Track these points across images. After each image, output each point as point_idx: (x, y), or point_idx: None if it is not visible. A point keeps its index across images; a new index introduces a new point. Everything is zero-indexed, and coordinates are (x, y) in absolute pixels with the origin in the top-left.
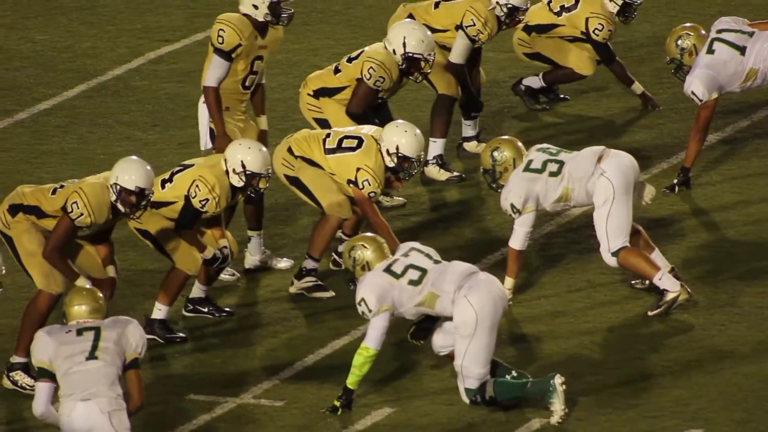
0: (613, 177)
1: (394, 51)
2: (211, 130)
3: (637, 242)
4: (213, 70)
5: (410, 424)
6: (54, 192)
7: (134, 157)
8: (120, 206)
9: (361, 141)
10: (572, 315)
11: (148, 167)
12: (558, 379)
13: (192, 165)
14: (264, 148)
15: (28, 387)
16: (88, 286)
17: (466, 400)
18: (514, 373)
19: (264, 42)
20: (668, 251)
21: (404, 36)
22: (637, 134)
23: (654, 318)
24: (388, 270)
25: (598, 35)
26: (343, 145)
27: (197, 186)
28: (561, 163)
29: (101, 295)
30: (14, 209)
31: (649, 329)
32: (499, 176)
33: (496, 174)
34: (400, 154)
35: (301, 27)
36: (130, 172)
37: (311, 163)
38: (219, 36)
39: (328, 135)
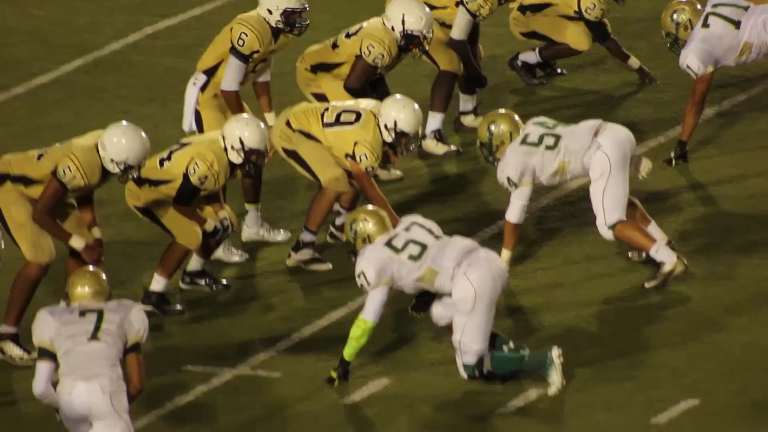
0: (609, 151)
1: (392, 28)
2: (197, 112)
3: (634, 215)
4: (232, 73)
5: (408, 395)
6: (39, 158)
7: (129, 127)
8: (120, 178)
9: (359, 115)
10: (569, 287)
11: (143, 134)
12: (555, 352)
13: (190, 143)
14: (262, 124)
15: (17, 358)
16: (91, 268)
17: (464, 375)
18: (511, 345)
19: (275, 46)
20: (665, 224)
21: (403, 13)
22: (634, 108)
23: (651, 290)
24: (388, 244)
25: (590, 14)
26: (342, 120)
27: (196, 163)
28: (557, 137)
29: (104, 277)
30: (1, 178)
31: (646, 301)
32: (496, 150)
33: (492, 147)
34: (398, 130)
35: None
36: (138, 149)
37: (309, 136)
38: (240, 39)
39: (327, 109)
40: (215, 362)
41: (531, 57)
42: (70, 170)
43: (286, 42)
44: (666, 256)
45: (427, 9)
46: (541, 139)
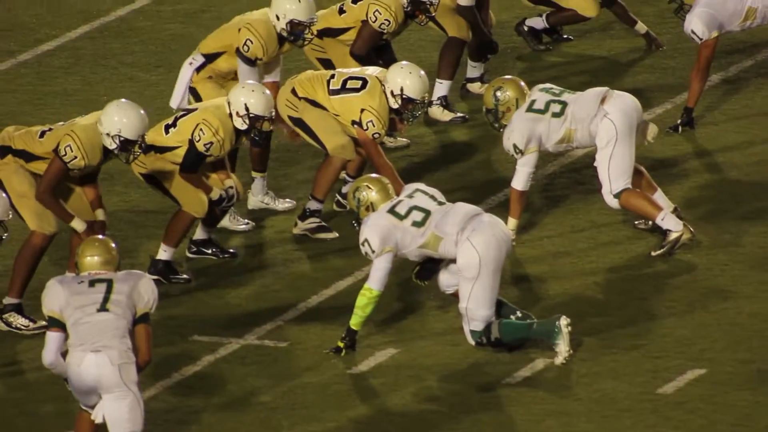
0: (616, 118)
1: None
2: (192, 89)
3: (640, 183)
4: (243, 75)
5: (414, 364)
6: (42, 135)
7: (126, 101)
8: (120, 155)
9: (365, 82)
10: (575, 255)
11: (142, 111)
12: (564, 321)
13: (195, 109)
14: (267, 91)
15: (22, 327)
16: (100, 237)
17: (472, 342)
18: (518, 314)
19: (281, 51)
20: (671, 191)
21: None
22: (641, 74)
23: (657, 258)
24: (391, 211)
25: None
26: (348, 86)
27: (201, 129)
28: (564, 104)
29: (114, 245)
30: (3, 151)
31: (653, 269)
32: (502, 116)
33: (498, 114)
34: (404, 96)
35: None
36: (131, 121)
37: (315, 104)
38: (245, 45)
39: (333, 76)
40: (222, 332)
41: (538, 23)
42: (71, 149)
43: (291, 47)
44: (672, 224)
45: None
46: (547, 106)
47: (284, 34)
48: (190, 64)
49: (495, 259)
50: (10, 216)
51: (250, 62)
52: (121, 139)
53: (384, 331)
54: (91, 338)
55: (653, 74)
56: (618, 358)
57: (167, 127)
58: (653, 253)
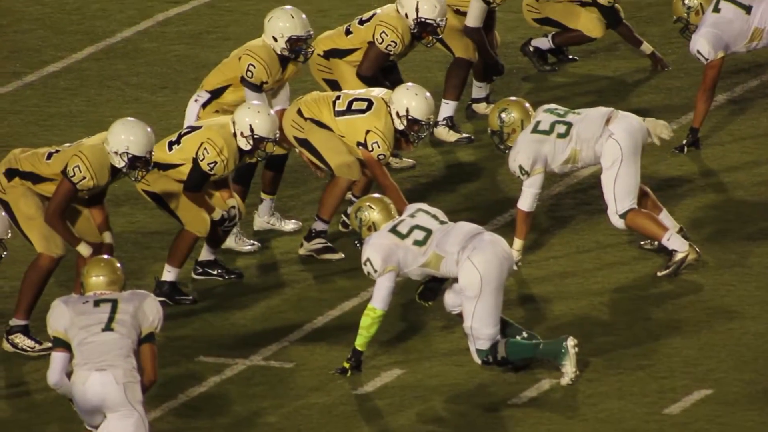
0: (621, 139)
1: (406, 15)
2: None
3: (645, 203)
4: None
5: (420, 385)
6: (49, 157)
7: (132, 119)
8: (129, 173)
9: (370, 103)
10: (581, 276)
11: (148, 128)
12: (571, 342)
13: (200, 127)
14: (272, 112)
15: (28, 349)
16: (106, 257)
17: (478, 361)
18: (524, 334)
19: (284, 75)
20: (677, 212)
21: (417, 1)
22: (647, 95)
23: (663, 278)
24: (393, 230)
25: None
26: (353, 108)
27: (205, 149)
28: (569, 125)
29: (119, 266)
30: (10, 173)
31: (659, 289)
32: (507, 137)
33: (504, 135)
34: (410, 117)
35: None
36: (138, 138)
37: (321, 125)
38: (249, 71)
39: (338, 97)
40: (228, 353)
41: (543, 43)
42: (79, 170)
43: (296, 70)
44: (678, 245)
45: None
46: (552, 127)
47: (285, 53)
48: (195, 101)
49: (496, 277)
50: (9, 235)
51: (257, 88)
52: (130, 156)
53: (389, 351)
54: (96, 357)
55: (659, 95)
56: (624, 378)
57: (171, 144)
58: (659, 274)
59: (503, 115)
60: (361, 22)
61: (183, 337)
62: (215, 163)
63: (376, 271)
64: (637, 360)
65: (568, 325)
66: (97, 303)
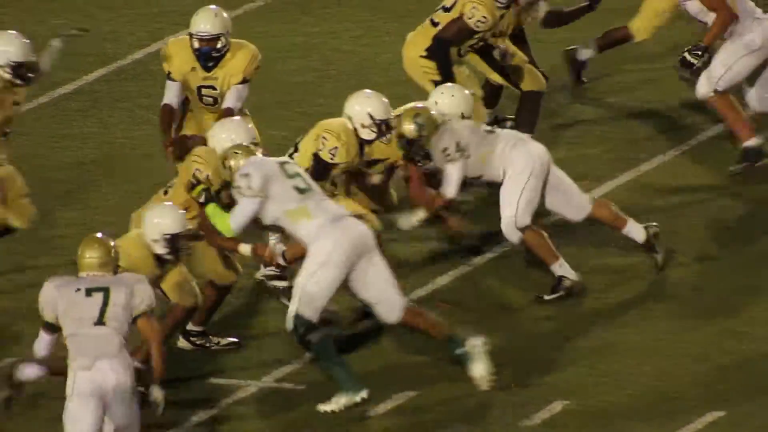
0: (532, 155)
1: None
2: None
3: (608, 215)
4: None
5: (432, 407)
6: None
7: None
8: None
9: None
10: (590, 296)
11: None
12: (475, 341)
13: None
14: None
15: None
16: (99, 235)
17: (290, 325)
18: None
19: (211, 74)
20: (685, 230)
21: None
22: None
23: (673, 299)
24: (281, 165)
25: None
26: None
27: (324, 138)
28: (492, 133)
29: (113, 244)
30: None
31: (669, 312)
32: (427, 141)
33: (422, 141)
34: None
35: (320, 10)
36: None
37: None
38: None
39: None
40: (240, 374)
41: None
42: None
43: (232, 70)
44: (567, 273)
45: None
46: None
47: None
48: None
49: (347, 257)
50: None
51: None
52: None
53: (402, 373)
54: (88, 352)
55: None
56: (634, 399)
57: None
58: (546, 298)
59: (418, 119)
60: (446, 9)
61: (194, 359)
62: (336, 148)
63: (250, 188)
64: (647, 381)
65: (577, 346)
66: (89, 292)
